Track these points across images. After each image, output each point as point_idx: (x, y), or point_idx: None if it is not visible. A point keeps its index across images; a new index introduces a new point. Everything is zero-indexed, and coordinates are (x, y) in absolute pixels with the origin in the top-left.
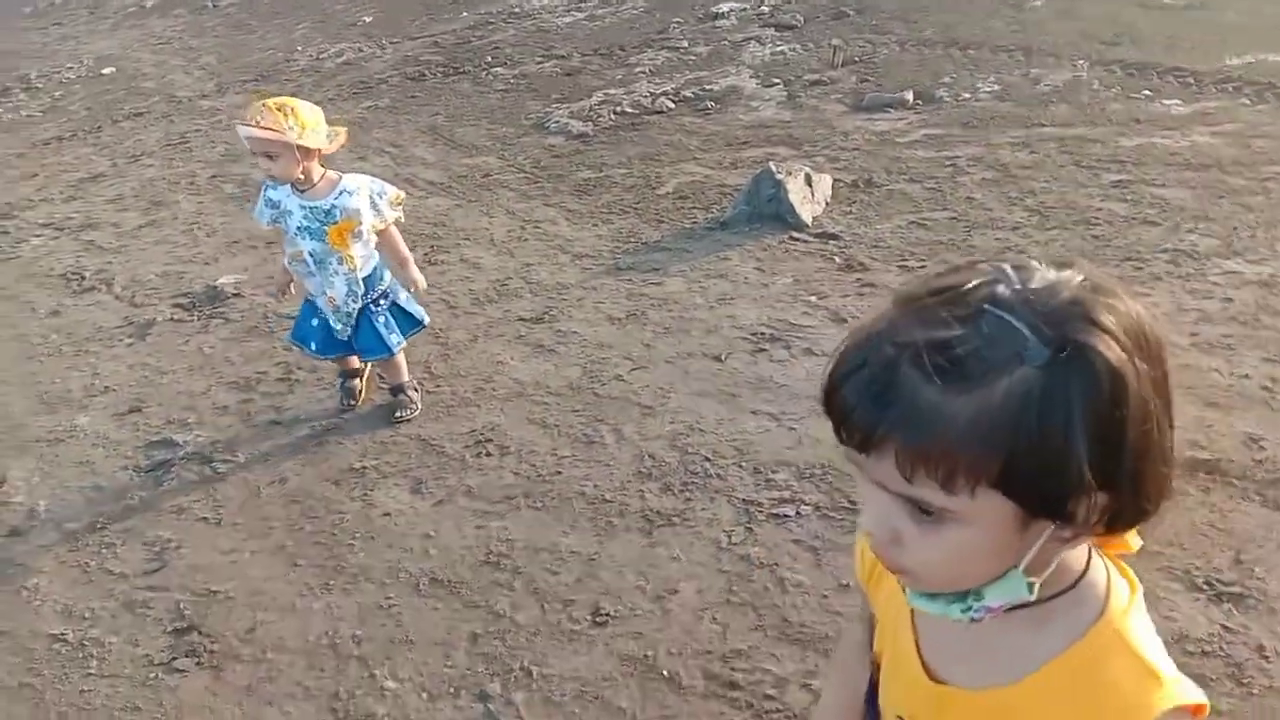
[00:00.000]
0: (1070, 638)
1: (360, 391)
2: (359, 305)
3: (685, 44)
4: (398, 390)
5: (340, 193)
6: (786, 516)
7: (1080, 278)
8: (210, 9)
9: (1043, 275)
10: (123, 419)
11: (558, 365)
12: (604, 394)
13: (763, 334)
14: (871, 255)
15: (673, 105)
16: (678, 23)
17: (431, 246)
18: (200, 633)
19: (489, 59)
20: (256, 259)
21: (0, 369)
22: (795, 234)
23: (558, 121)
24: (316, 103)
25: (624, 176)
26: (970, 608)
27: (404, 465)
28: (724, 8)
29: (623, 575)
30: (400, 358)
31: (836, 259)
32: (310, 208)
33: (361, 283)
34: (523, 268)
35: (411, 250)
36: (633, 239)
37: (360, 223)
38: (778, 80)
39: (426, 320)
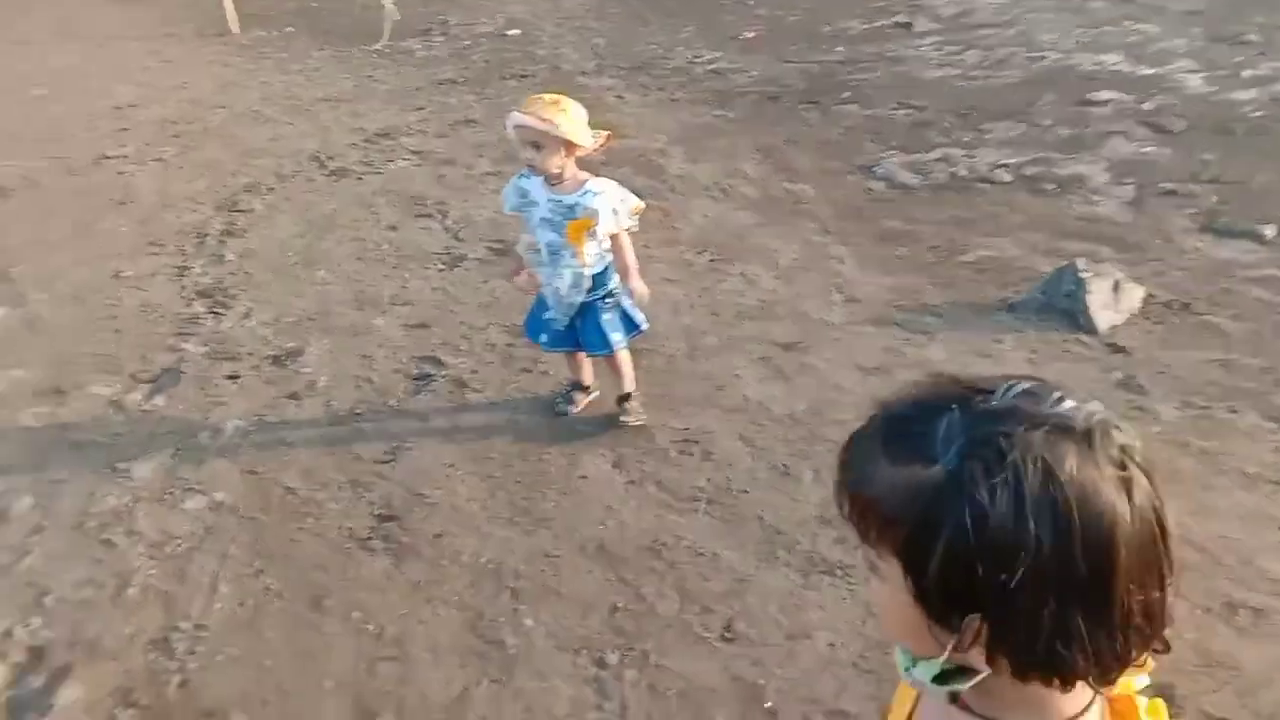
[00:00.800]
0: None
1: (580, 405)
2: (581, 299)
3: (1048, 121)
4: (624, 398)
5: (586, 192)
6: None
7: (1094, 416)
8: None
9: (1065, 402)
10: (410, 330)
11: (788, 393)
12: (820, 434)
13: None
14: (1155, 381)
15: (1009, 179)
16: (1050, 100)
17: (719, 254)
18: (399, 525)
19: (845, 95)
20: None
21: (335, 262)
22: (1083, 337)
23: (887, 168)
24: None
25: (930, 235)
26: (906, 668)
27: (615, 441)
28: (1103, 95)
29: (766, 604)
30: (624, 363)
31: (1116, 374)
32: (556, 201)
33: (589, 278)
34: (794, 295)
35: (700, 254)
36: (912, 296)
37: (597, 223)
38: (1130, 180)
39: (645, 326)
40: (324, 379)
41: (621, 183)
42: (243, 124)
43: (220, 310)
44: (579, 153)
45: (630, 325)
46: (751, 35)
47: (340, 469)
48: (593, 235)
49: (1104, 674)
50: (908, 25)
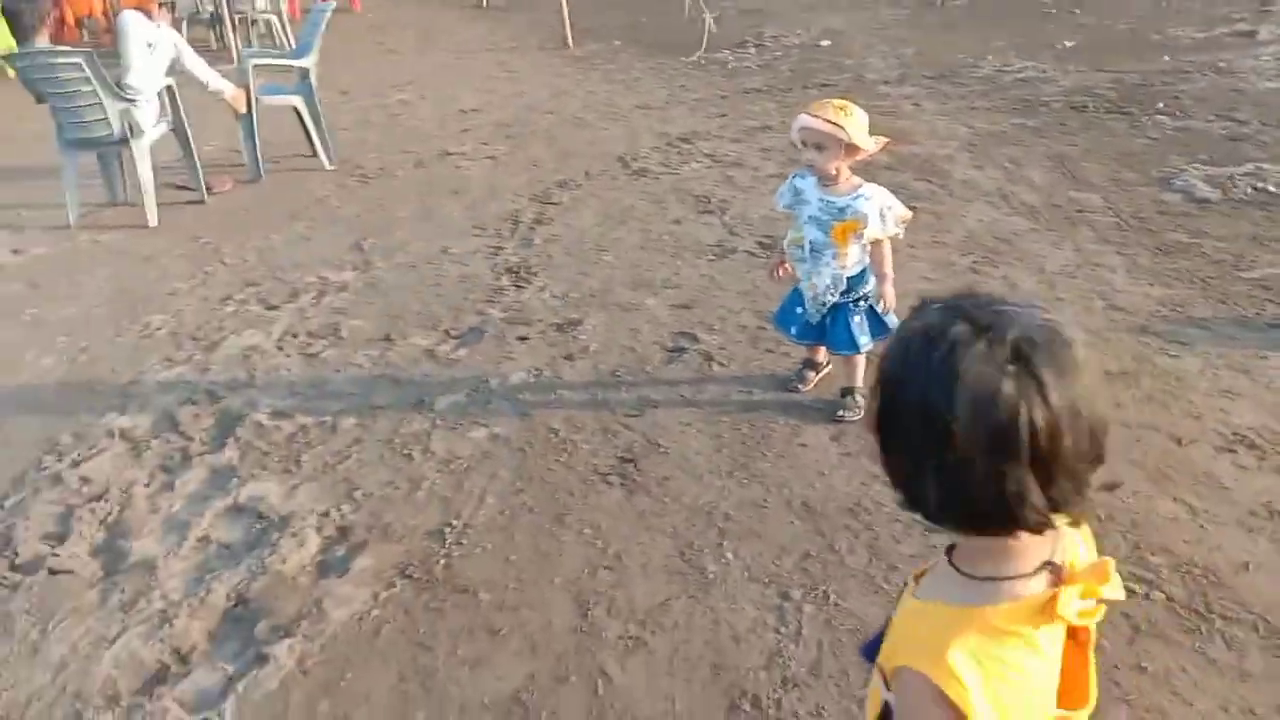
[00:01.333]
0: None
1: (811, 383)
2: (835, 299)
3: None
4: (847, 392)
5: (858, 196)
6: (1138, 595)
7: (1036, 322)
8: (935, 6)
9: (1016, 303)
10: (674, 310)
11: None
12: None
13: (1243, 437)
14: None
15: None
16: None
17: (983, 258)
18: (635, 467)
19: (1160, 105)
20: None
21: (622, 250)
22: None
23: (1186, 180)
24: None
25: (1215, 250)
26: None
27: (839, 415)
28: None
29: None
30: (861, 360)
31: None
32: (827, 201)
33: (845, 280)
34: (1052, 299)
35: (965, 256)
36: (1180, 309)
37: (864, 226)
38: None
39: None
40: (595, 345)
41: (902, 187)
42: (565, 128)
43: (522, 284)
44: (858, 156)
45: (879, 328)
46: (1070, 45)
47: (596, 418)
48: (858, 238)
49: (1039, 522)
50: (1251, 34)
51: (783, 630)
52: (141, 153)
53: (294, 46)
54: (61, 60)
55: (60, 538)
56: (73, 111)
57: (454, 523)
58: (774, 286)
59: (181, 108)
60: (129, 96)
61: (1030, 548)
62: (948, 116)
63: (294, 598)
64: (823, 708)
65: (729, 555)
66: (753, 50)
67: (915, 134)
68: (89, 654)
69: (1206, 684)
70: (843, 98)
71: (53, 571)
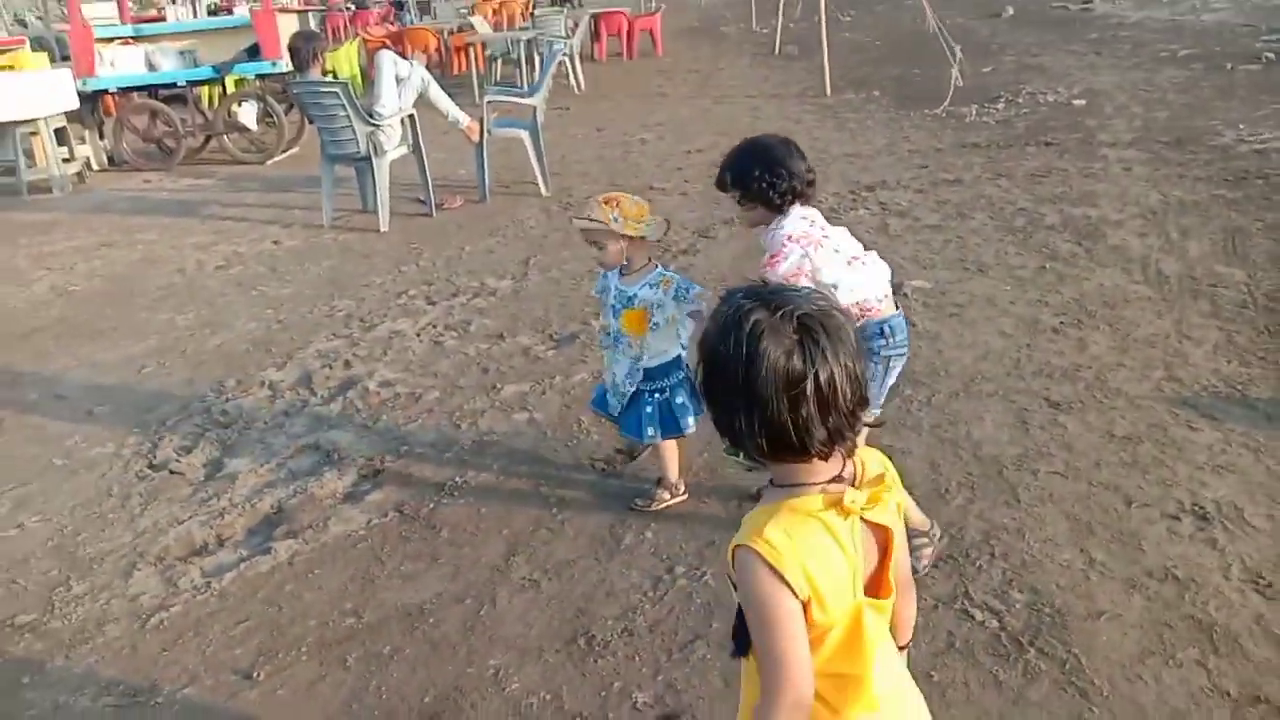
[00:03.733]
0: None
1: (619, 466)
2: (633, 390)
3: None
4: (658, 481)
5: (643, 284)
6: (976, 620)
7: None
8: (1225, 70)
9: (798, 290)
10: None
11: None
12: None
13: (1200, 509)
14: None
15: None
16: None
17: (1075, 320)
18: (620, 465)
19: None
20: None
21: (730, 283)
22: None
23: None
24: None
25: None
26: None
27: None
28: None
29: None
30: (667, 455)
31: None
32: (619, 290)
33: (642, 371)
34: (1103, 366)
35: (1057, 316)
36: (1239, 387)
37: (651, 314)
38: None
39: (689, 431)
40: None
41: (1045, 246)
42: None
43: None
44: (647, 241)
45: (671, 425)
46: None
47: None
48: (654, 328)
49: (823, 450)
50: None
51: (649, 595)
52: (381, 169)
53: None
54: (325, 89)
55: (188, 450)
56: (331, 131)
57: (458, 479)
58: None
59: (420, 133)
60: (374, 122)
61: (822, 469)
62: (1150, 183)
63: (313, 513)
64: (639, 654)
65: (648, 534)
66: (1001, 105)
67: (1103, 197)
68: (162, 530)
69: (980, 700)
70: (619, 193)
71: (171, 472)
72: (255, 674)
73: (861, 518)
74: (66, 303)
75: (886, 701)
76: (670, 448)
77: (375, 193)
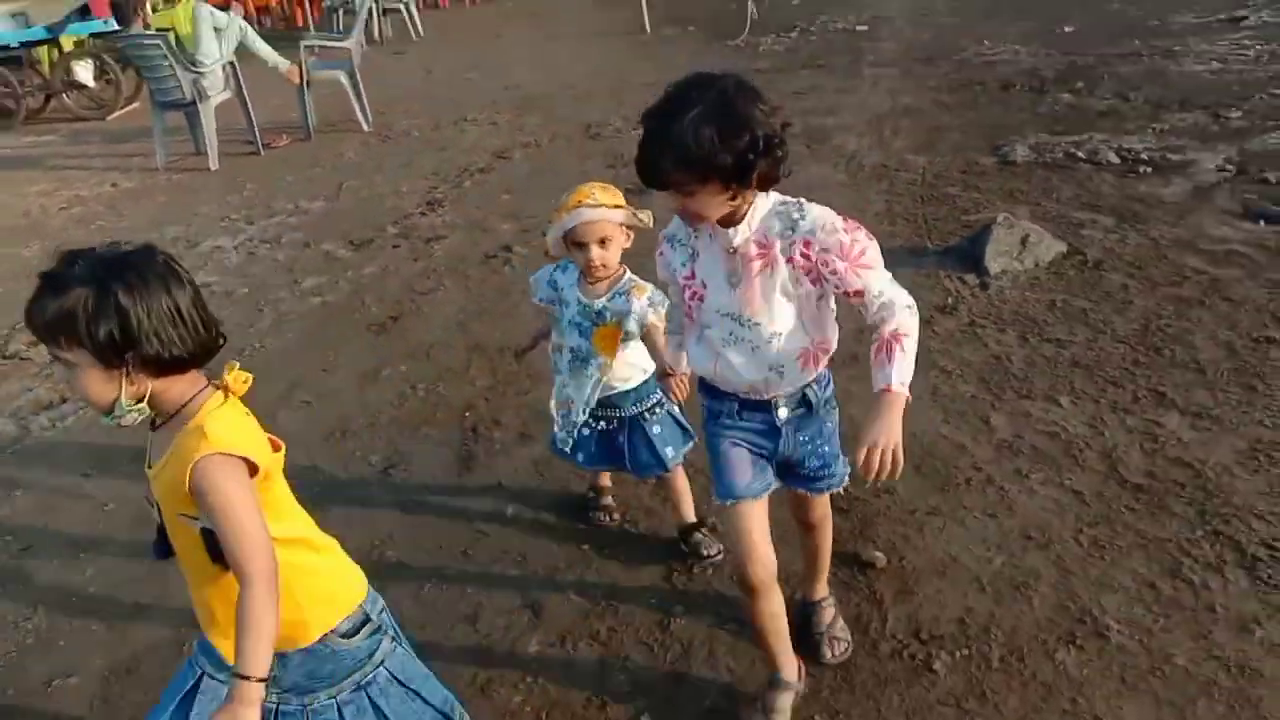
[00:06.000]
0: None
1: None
2: (584, 420)
3: (1238, 114)
4: (689, 530)
5: (615, 294)
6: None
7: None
8: None
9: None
10: (516, 231)
11: None
12: None
13: None
14: (996, 318)
15: (1116, 161)
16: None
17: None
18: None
19: (1079, 85)
20: None
21: (515, 195)
22: (972, 277)
23: (1011, 149)
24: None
25: (963, 204)
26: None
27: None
28: None
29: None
30: (681, 486)
31: (984, 325)
32: (584, 305)
33: (596, 399)
34: None
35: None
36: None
37: (626, 328)
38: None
39: (673, 465)
40: (442, 251)
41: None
42: (570, 101)
43: (427, 213)
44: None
45: (683, 435)
46: (1068, 30)
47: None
48: (624, 344)
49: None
50: (1236, 20)
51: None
52: (206, 113)
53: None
54: (148, 41)
55: (34, 344)
56: (157, 80)
57: (256, 344)
58: None
59: (242, 79)
60: (197, 70)
61: (195, 378)
62: (890, 93)
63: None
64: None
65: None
66: (795, 34)
67: (843, 109)
68: (15, 395)
69: None
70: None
71: (22, 359)
72: (90, 473)
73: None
74: None
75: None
76: (683, 478)
77: (205, 134)
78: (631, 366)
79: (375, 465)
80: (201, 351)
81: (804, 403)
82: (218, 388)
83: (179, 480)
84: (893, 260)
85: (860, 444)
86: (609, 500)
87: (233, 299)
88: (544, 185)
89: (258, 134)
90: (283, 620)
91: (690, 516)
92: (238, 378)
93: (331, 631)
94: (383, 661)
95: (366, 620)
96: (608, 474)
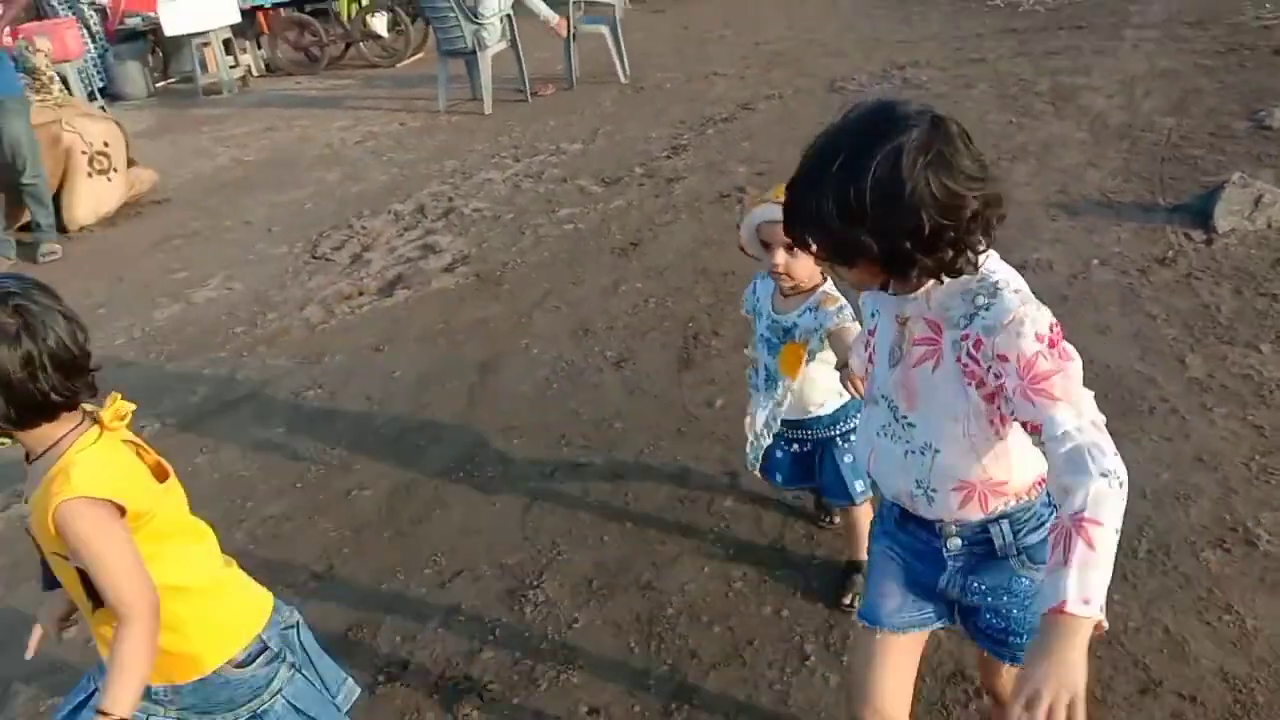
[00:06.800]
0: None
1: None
2: (769, 441)
3: None
4: (851, 569)
5: (805, 309)
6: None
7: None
8: None
9: None
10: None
11: None
12: None
13: None
14: (1215, 272)
15: None
16: None
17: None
18: (635, 249)
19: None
20: None
21: (761, 143)
22: (1199, 233)
23: (1267, 113)
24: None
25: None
26: None
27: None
28: None
29: None
30: (861, 524)
31: (1201, 277)
32: (774, 320)
33: (780, 420)
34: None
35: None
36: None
37: (810, 345)
38: None
39: (861, 500)
40: (680, 190)
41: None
42: (818, 57)
43: (672, 156)
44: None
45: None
46: None
47: (642, 221)
48: (809, 362)
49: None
50: None
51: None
52: (484, 61)
53: None
54: None
55: (338, 248)
56: (444, 30)
57: (518, 260)
58: None
59: (517, 31)
60: (478, 21)
61: (67, 417)
62: (1147, 57)
63: (421, 279)
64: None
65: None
66: None
67: (1095, 70)
68: (322, 288)
69: None
70: None
71: (327, 260)
72: (382, 347)
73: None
74: (244, 169)
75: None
76: (868, 515)
77: (481, 82)
78: (826, 390)
79: (610, 359)
80: (51, 404)
81: (984, 541)
82: (95, 422)
83: (45, 523)
84: (1120, 215)
85: (1019, 691)
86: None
87: (500, 222)
88: (783, 134)
89: (527, 82)
90: (174, 654)
91: (858, 555)
92: (115, 411)
93: (226, 662)
94: (280, 690)
95: (264, 649)
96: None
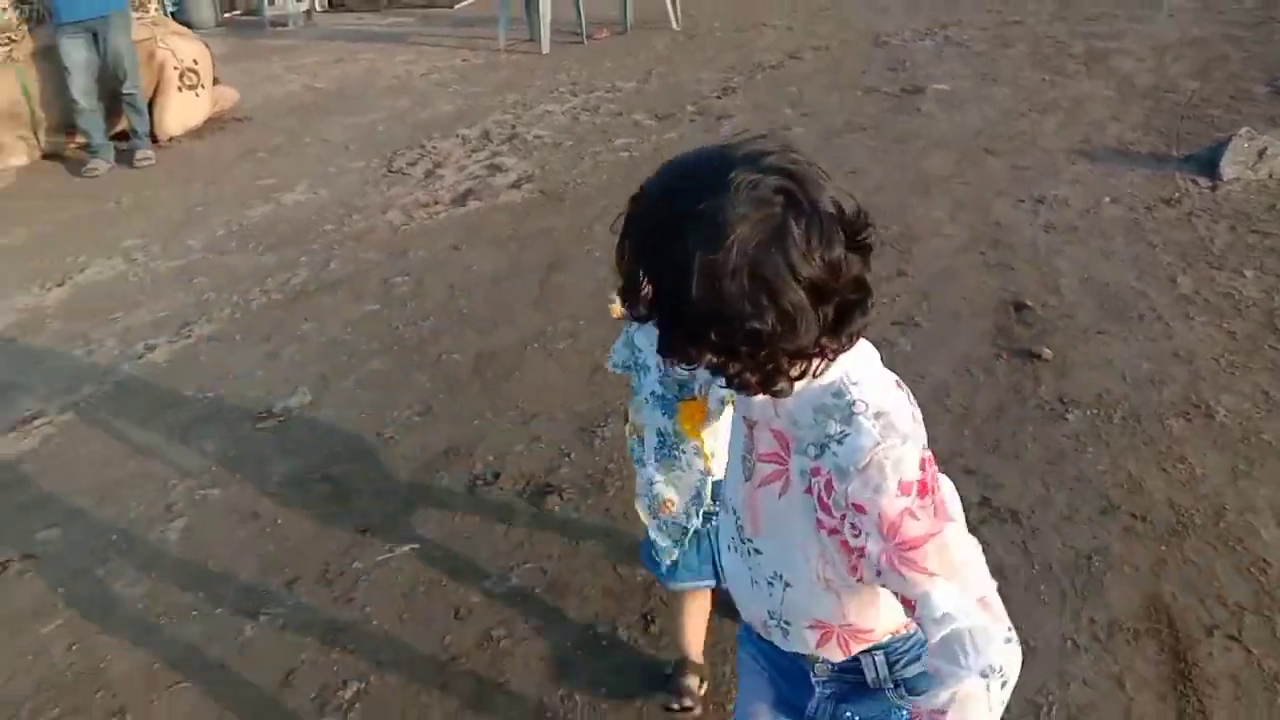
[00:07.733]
0: None
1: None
2: (700, 524)
3: None
4: None
5: None
6: None
7: None
8: None
9: None
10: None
11: None
12: None
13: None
14: (1214, 213)
15: None
16: None
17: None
18: None
19: None
20: None
21: (807, 96)
22: (1205, 180)
23: None
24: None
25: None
26: None
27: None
28: None
29: None
30: None
31: (1201, 216)
32: (664, 370)
33: (710, 493)
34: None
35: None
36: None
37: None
38: None
39: None
40: (727, 127)
41: (1061, 67)
42: (863, 13)
43: (723, 96)
44: None
45: None
46: None
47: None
48: (711, 417)
49: None
50: None
51: None
52: (544, 3)
53: None
54: None
55: (413, 164)
56: None
57: (579, 180)
58: None
59: None
60: None
61: None
62: (1181, 25)
63: (490, 193)
64: None
65: None
66: None
67: (1128, 35)
68: (400, 197)
69: None
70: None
71: (403, 174)
72: (460, 246)
73: None
74: (316, 95)
75: None
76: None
77: (540, 24)
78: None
79: None
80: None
81: (856, 669)
82: None
83: None
84: (1135, 162)
85: None
86: (693, 682)
87: (560, 148)
88: (827, 81)
89: (584, 26)
90: None
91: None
92: None
93: None
94: None
95: None
96: (699, 648)
